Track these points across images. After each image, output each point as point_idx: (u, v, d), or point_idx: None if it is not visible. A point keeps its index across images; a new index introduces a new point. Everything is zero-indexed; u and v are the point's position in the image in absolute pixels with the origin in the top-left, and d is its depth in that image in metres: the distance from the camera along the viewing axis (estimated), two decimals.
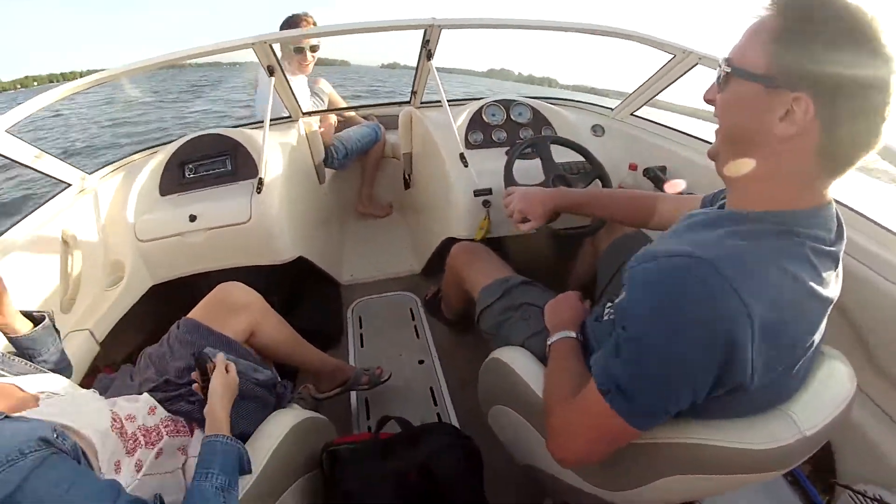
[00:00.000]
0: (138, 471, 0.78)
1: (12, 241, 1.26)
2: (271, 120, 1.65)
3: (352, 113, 2.55)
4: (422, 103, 2.12)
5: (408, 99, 2.13)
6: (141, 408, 0.90)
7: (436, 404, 1.55)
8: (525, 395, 0.93)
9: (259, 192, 1.52)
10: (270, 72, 1.68)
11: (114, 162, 1.72)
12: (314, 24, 2.05)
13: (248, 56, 1.66)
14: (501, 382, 1.04)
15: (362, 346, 1.80)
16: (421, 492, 1.01)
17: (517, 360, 0.99)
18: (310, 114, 2.07)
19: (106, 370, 1.37)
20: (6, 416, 0.61)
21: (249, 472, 0.82)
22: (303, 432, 1.01)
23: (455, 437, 1.11)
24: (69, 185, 1.52)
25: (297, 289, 1.95)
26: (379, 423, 1.20)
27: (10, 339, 0.90)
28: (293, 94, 1.89)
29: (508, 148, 1.60)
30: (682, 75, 1.62)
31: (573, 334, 0.93)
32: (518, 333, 1.11)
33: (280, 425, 0.95)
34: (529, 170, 1.46)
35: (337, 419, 1.28)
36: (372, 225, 2.62)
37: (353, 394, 1.58)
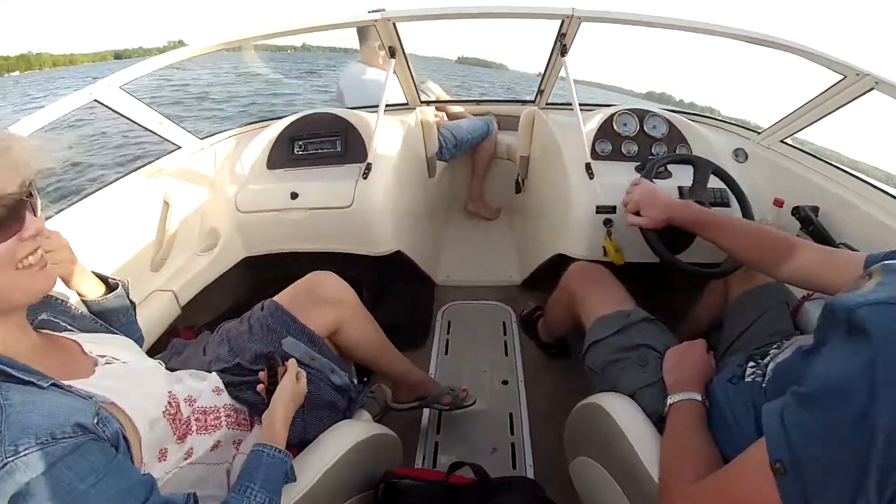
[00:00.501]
0: (187, 458, 0.76)
1: (115, 194, 1.34)
2: (386, 106, 1.64)
3: (458, 108, 2.52)
4: (547, 104, 2.03)
5: (531, 98, 2.04)
6: (206, 388, 0.89)
7: (512, 433, 1.47)
8: (623, 456, 0.83)
9: (365, 178, 1.51)
10: (392, 53, 1.66)
11: (225, 131, 1.78)
12: None
13: (336, 41, 1.64)
14: (596, 433, 0.95)
15: (446, 353, 1.75)
16: None
17: (623, 412, 0.89)
18: (428, 103, 2.06)
19: (185, 334, 1.43)
20: (53, 384, 0.59)
21: (293, 480, 0.79)
22: (367, 448, 0.97)
23: (535, 499, 1.02)
24: (179, 147, 1.59)
25: (390, 281, 1.93)
26: (451, 468, 1.11)
27: (83, 302, 0.92)
28: (414, 80, 1.87)
29: (639, 164, 1.49)
30: (850, 101, 1.37)
31: (699, 397, 0.83)
32: (630, 380, 1.00)
33: (345, 438, 0.91)
34: (662, 189, 1.33)
35: (403, 429, 1.23)
36: (477, 226, 2.58)
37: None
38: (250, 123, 1.90)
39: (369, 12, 1.57)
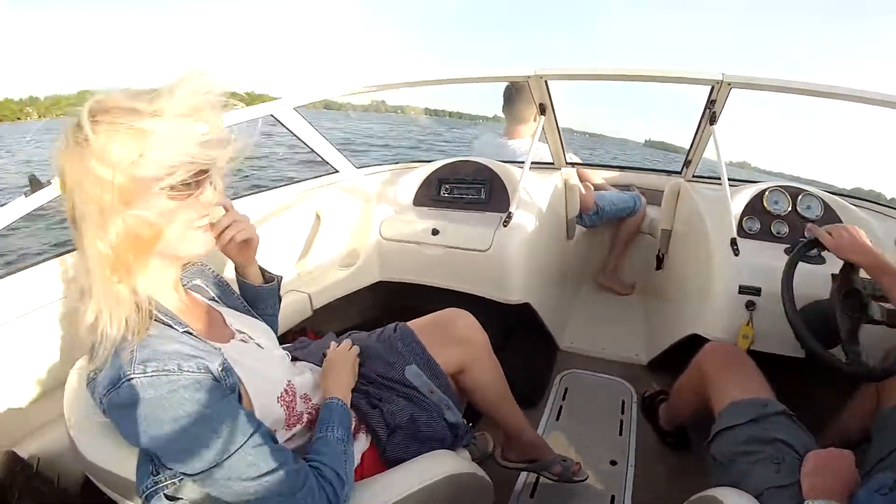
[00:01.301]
0: (286, 443, 0.90)
1: (276, 199, 1.64)
2: (532, 163, 1.80)
3: (600, 180, 2.63)
4: (694, 177, 2.08)
5: (677, 169, 2.12)
6: (320, 389, 1.05)
7: None
8: None
9: (505, 226, 1.67)
10: (542, 110, 1.83)
11: (379, 164, 2.08)
12: None
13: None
14: None
15: (557, 418, 1.78)
16: None
17: None
18: (574, 164, 2.19)
19: (310, 335, 1.62)
20: (187, 331, 0.76)
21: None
22: (460, 485, 1.00)
23: None
24: (336, 171, 1.90)
25: (514, 333, 2.03)
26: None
27: (239, 282, 1.11)
28: (561, 140, 2.03)
29: (789, 246, 1.49)
30: None
31: None
32: (760, 477, 0.97)
33: (442, 465, 0.96)
34: (813, 276, 1.30)
35: (497, 483, 1.23)
36: (608, 299, 2.62)
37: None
38: (403, 162, 2.20)
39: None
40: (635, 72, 1.65)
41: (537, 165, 2.15)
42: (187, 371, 0.69)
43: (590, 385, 1.96)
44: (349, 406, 0.97)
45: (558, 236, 2.15)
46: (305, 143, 1.83)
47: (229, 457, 0.69)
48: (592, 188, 2.45)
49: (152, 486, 0.70)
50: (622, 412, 1.82)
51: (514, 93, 2.33)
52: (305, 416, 0.96)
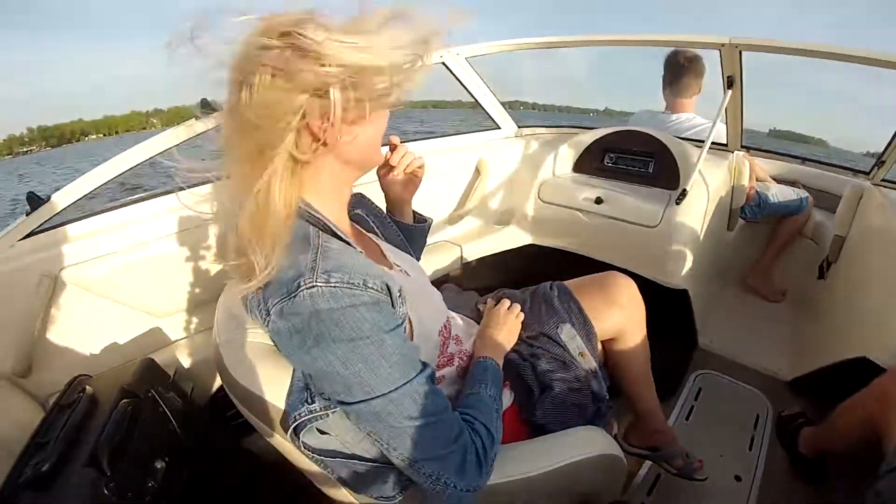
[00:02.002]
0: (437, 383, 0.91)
1: (438, 146, 1.73)
2: (699, 141, 1.78)
3: (763, 172, 2.47)
4: (883, 180, 1.96)
5: (864, 169, 1.99)
6: (472, 337, 1.08)
7: None
8: None
9: (677, 204, 1.63)
10: (730, 84, 1.74)
11: (543, 126, 2.06)
12: None
13: None
14: None
15: (687, 419, 1.77)
16: None
17: None
18: (748, 149, 2.08)
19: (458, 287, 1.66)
20: (360, 253, 0.79)
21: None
22: (602, 466, 1.01)
23: None
24: (499, 127, 1.88)
25: (661, 319, 1.98)
26: None
27: (391, 220, 1.15)
28: (742, 121, 1.91)
29: None
30: None
31: None
32: None
33: (590, 444, 0.97)
34: None
35: None
36: (755, 303, 2.52)
37: (647, 464, 1.57)
38: (566, 126, 2.15)
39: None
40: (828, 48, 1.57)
41: (710, 145, 2.05)
42: (371, 288, 0.69)
43: (725, 391, 1.92)
44: (501, 369, 0.99)
45: (720, 226, 2.07)
46: (472, 95, 1.88)
47: (396, 389, 0.69)
48: (755, 178, 2.30)
49: (306, 415, 0.71)
50: (755, 427, 1.77)
51: (681, 63, 2.24)
52: (456, 359, 1.00)
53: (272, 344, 0.78)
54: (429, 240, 1.60)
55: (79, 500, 0.81)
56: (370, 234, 1.03)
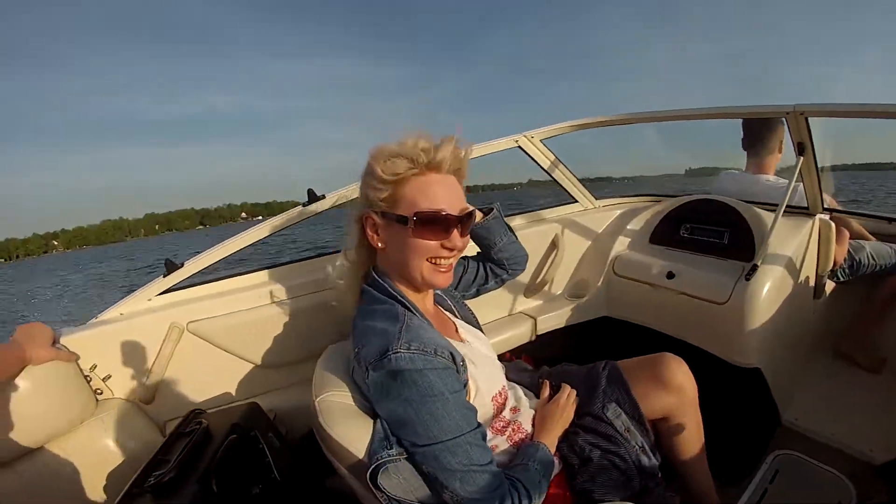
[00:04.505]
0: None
1: (518, 223, 1.95)
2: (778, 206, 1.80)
3: (857, 225, 2.43)
4: None
5: None
6: (531, 411, 1.27)
7: None
8: None
9: (748, 280, 1.71)
10: (801, 150, 1.78)
11: (618, 197, 2.19)
12: None
13: None
14: None
15: (759, 502, 1.73)
16: None
17: None
18: (832, 211, 2.10)
19: (526, 359, 1.78)
20: (434, 329, 1.05)
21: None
22: None
23: None
24: (576, 201, 2.03)
25: (731, 396, 1.99)
26: None
27: (472, 236, 1.39)
28: (820, 184, 1.91)
29: None
30: None
31: None
32: None
33: None
34: None
35: None
36: (849, 373, 2.40)
37: None
38: (643, 195, 2.26)
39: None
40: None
41: (789, 210, 2.08)
42: (440, 356, 0.96)
43: (806, 474, 1.86)
44: (554, 453, 1.19)
45: (804, 295, 2.08)
46: (548, 173, 2.05)
47: (454, 438, 0.93)
48: (848, 236, 2.24)
49: (385, 458, 0.95)
50: None
51: (759, 123, 2.31)
52: (510, 428, 1.20)
53: (357, 405, 1.06)
54: (504, 311, 1.98)
55: None
56: (447, 313, 1.32)
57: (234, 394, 1.68)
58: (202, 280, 1.69)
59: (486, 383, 1.16)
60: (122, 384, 1.49)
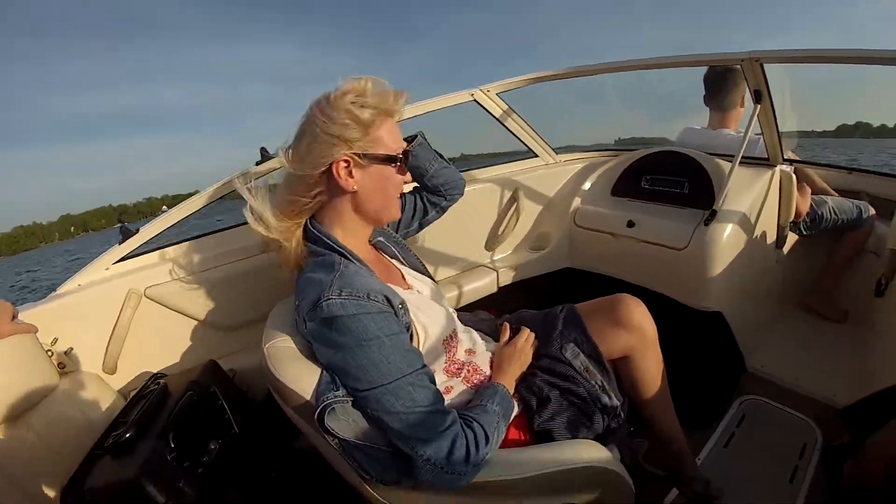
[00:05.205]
0: (444, 392, 1.08)
1: (474, 177, 1.96)
2: (745, 157, 1.85)
3: (819, 181, 2.52)
4: None
5: None
6: (487, 350, 1.30)
7: None
8: None
9: (706, 225, 1.75)
10: (757, 98, 1.81)
11: (580, 151, 2.23)
12: None
13: None
14: None
15: (726, 445, 1.79)
16: None
17: None
18: (792, 162, 2.11)
19: (492, 312, 1.79)
20: (374, 274, 1.06)
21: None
22: (598, 480, 1.09)
23: None
24: (536, 155, 2.12)
25: (697, 343, 2.04)
26: None
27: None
28: (779, 133, 1.94)
29: None
30: None
31: None
32: None
33: (582, 454, 1.06)
34: None
35: (642, 491, 1.27)
36: (814, 325, 2.51)
37: (675, 491, 1.59)
38: (604, 150, 2.34)
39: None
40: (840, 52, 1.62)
41: (749, 161, 2.13)
42: (373, 300, 0.96)
43: (772, 418, 1.94)
44: (512, 394, 1.21)
45: (766, 244, 2.13)
46: (507, 128, 2.05)
47: (394, 381, 0.93)
48: (810, 191, 2.30)
49: (331, 399, 0.93)
50: (800, 457, 1.74)
51: (719, 78, 2.34)
52: (465, 369, 1.22)
53: (305, 352, 1.06)
54: (466, 265, 2.03)
55: (147, 464, 1.09)
56: (393, 260, 1.34)
57: (195, 358, 1.67)
58: (159, 245, 1.69)
59: (435, 327, 1.16)
60: (84, 356, 1.49)
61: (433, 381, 1.01)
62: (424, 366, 1.00)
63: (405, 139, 1.42)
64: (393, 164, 1.10)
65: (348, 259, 1.08)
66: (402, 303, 1.06)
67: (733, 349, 2.07)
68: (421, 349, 1.08)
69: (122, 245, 1.60)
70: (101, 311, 1.51)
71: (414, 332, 1.10)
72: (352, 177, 1.07)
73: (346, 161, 1.06)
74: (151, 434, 1.17)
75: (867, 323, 2.36)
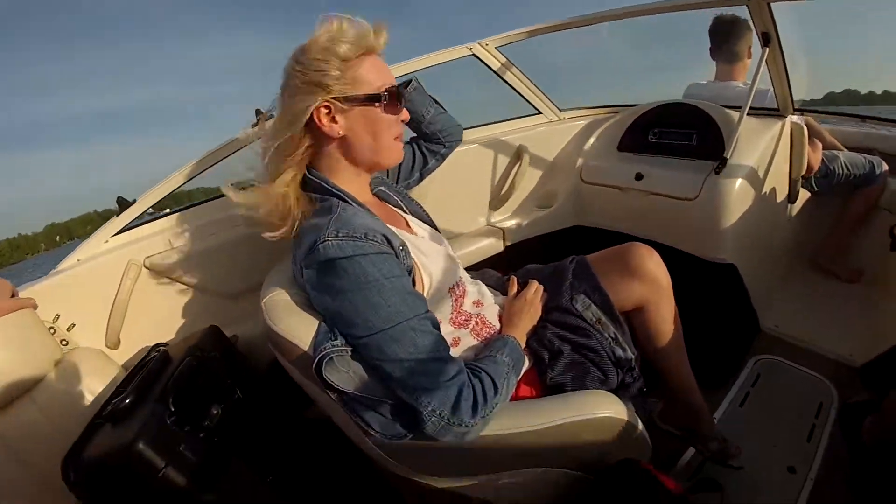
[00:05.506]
0: (451, 345, 1.04)
1: (476, 135, 1.90)
2: (751, 108, 1.78)
3: (830, 137, 2.46)
4: None
5: None
6: (495, 303, 1.25)
7: None
8: None
9: (717, 173, 1.71)
10: (766, 40, 1.71)
11: (584, 108, 2.21)
12: None
13: None
14: None
15: (741, 405, 1.78)
16: None
17: None
18: (802, 112, 2.08)
19: (499, 272, 1.77)
20: (375, 216, 1.02)
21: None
22: (612, 432, 1.06)
23: None
24: (539, 112, 2.10)
25: (711, 298, 2.00)
26: (700, 483, 1.19)
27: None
28: (789, 81, 1.88)
29: None
30: None
31: None
32: None
33: (595, 406, 1.03)
34: None
35: (659, 451, 1.26)
36: (827, 284, 2.47)
37: (692, 449, 1.58)
38: (609, 106, 2.30)
39: None
40: None
41: (759, 111, 2.06)
42: (371, 240, 0.90)
43: (787, 377, 1.91)
44: (522, 348, 1.16)
45: (777, 197, 2.08)
46: (508, 83, 1.98)
47: (395, 326, 0.87)
48: (821, 146, 2.24)
49: (329, 349, 0.87)
50: (816, 416, 1.73)
51: (725, 28, 2.28)
52: (473, 321, 1.17)
53: (303, 303, 1.00)
54: (473, 225, 1.98)
55: (145, 427, 1.04)
56: (396, 209, 1.28)
57: (198, 327, 1.57)
58: (157, 216, 1.65)
59: (440, 273, 1.10)
60: (86, 331, 1.46)
61: (437, 328, 0.95)
62: (428, 311, 0.94)
63: (398, 85, 1.40)
64: (377, 104, 1.02)
65: (346, 202, 1.03)
66: (403, 245, 1.00)
67: (747, 307, 2.03)
68: (425, 296, 1.02)
69: (119, 217, 1.56)
70: (101, 284, 1.48)
71: (417, 276, 1.04)
72: (335, 122, 1.02)
73: (326, 107, 1.00)
74: (151, 399, 1.13)
75: (881, 282, 2.33)
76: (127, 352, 1.54)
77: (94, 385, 1.29)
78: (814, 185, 2.30)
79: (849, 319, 2.19)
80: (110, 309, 1.49)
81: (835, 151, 2.35)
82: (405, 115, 1.09)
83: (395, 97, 1.04)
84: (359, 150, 1.06)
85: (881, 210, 2.36)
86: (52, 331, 1.35)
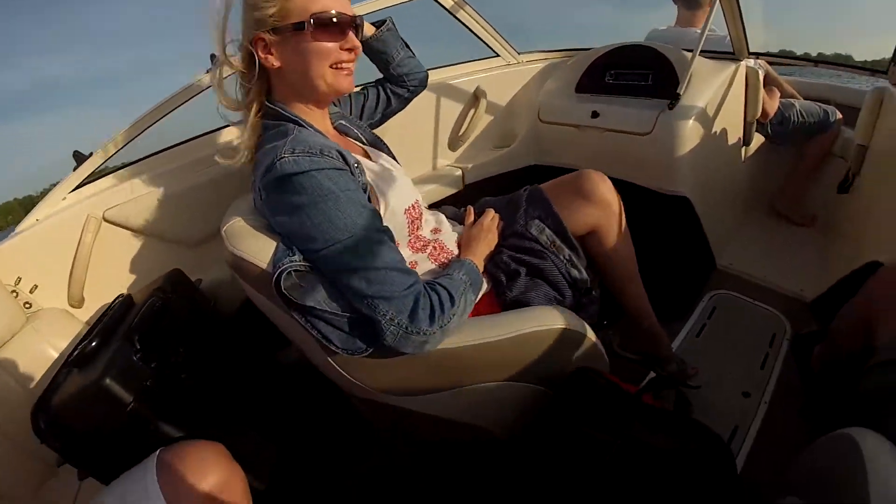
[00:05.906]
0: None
1: (434, 76, 1.84)
2: (708, 51, 1.85)
3: (788, 87, 2.51)
4: None
5: (873, 68, 2.00)
6: (453, 231, 1.28)
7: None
8: None
9: (671, 109, 1.76)
10: None
11: (542, 51, 2.28)
12: None
13: None
14: (828, 471, 0.83)
15: (697, 335, 1.85)
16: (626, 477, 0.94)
17: (879, 455, 0.72)
18: (757, 56, 2.12)
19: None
20: (323, 136, 1.04)
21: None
22: (570, 345, 1.11)
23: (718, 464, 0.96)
24: (497, 55, 2.11)
25: (667, 231, 2.05)
26: (654, 382, 1.20)
27: (364, 45, 1.36)
28: (744, 26, 1.93)
29: None
30: None
31: None
32: None
33: (552, 318, 1.07)
34: None
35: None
36: (781, 228, 2.57)
37: (651, 374, 1.63)
38: (567, 50, 2.32)
39: None
40: None
41: (716, 55, 2.10)
42: (327, 155, 0.92)
43: (741, 310, 1.99)
44: (481, 271, 1.19)
45: (731, 138, 2.14)
46: (466, 26, 1.98)
47: (351, 237, 0.89)
48: (778, 93, 2.30)
49: (287, 265, 0.89)
50: (770, 346, 1.80)
51: None
52: (431, 247, 1.20)
53: (262, 226, 1.02)
54: (431, 165, 2.00)
55: (111, 364, 1.06)
56: (355, 141, 1.29)
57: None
58: (114, 167, 1.62)
59: (397, 196, 1.11)
60: (49, 292, 1.45)
61: (394, 242, 0.97)
62: (386, 228, 0.96)
63: (374, 24, 1.39)
64: (301, 30, 0.99)
65: (302, 126, 1.04)
66: (358, 163, 1.02)
67: (703, 244, 2.10)
68: (381, 213, 1.05)
69: (76, 172, 1.53)
70: (61, 242, 1.46)
71: (373, 198, 1.06)
72: (271, 54, 1.02)
73: (261, 40, 1.01)
74: (117, 340, 1.13)
75: (833, 225, 2.41)
76: (91, 308, 1.53)
77: (59, 344, 1.30)
78: (769, 130, 2.37)
79: (802, 260, 2.27)
80: (73, 267, 1.47)
81: (791, 100, 2.41)
82: (350, 42, 1.05)
83: (327, 24, 1.00)
84: (296, 79, 1.06)
85: (835, 157, 2.43)
86: (14, 294, 1.35)
